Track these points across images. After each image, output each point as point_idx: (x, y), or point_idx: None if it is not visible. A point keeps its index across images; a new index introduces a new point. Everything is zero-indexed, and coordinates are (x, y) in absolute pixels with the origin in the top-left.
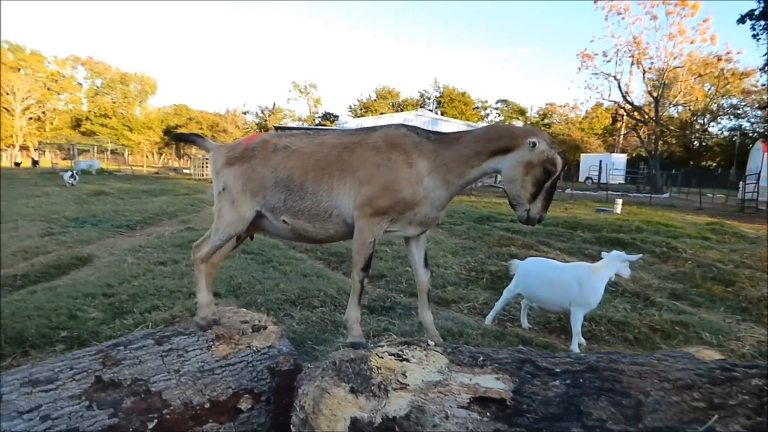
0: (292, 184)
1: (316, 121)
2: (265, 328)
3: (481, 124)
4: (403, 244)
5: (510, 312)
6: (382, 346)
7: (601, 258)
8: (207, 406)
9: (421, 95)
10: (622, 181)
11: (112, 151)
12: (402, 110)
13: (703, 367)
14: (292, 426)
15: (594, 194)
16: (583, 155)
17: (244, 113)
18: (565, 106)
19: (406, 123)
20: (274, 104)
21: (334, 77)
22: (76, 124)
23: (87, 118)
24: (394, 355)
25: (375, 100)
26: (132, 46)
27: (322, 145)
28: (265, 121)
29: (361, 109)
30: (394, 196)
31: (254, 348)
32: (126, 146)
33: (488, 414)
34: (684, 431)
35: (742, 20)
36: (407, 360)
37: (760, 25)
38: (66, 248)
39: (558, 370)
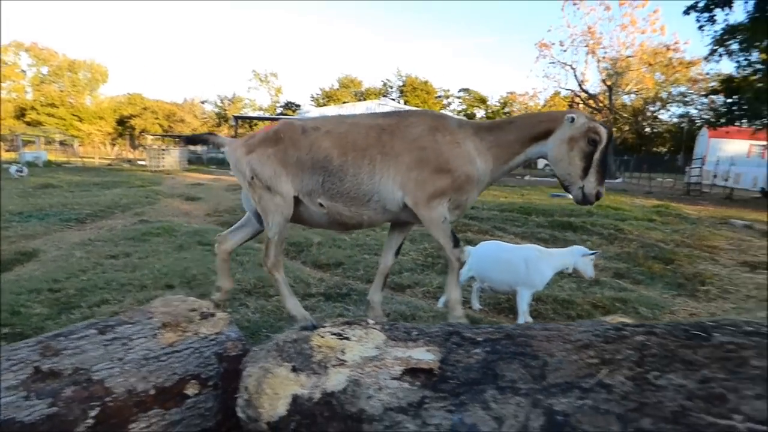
0: (331, 165)
1: (278, 111)
2: (213, 315)
3: (444, 113)
4: (369, 230)
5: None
6: (325, 327)
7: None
8: (152, 392)
9: (384, 84)
10: None
11: (61, 143)
12: (365, 99)
13: (601, 328)
14: (236, 407)
15: (551, 180)
16: None
17: (203, 102)
18: (524, 95)
19: (369, 112)
20: (234, 93)
21: (295, 66)
22: (21, 113)
23: (32, 108)
24: (335, 334)
25: (337, 89)
26: (80, 32)
27: (356, 125)
28: (225, 110)
29: (323, 98)
30: (450, 175)
31: (202, 335)
32: (75, 137)
33: (417, 383)
34: (579, 385)
35: (687, 12)
36: (347, 338)
37: (704, 17)
38: (9, 243)
39: (480, 339)
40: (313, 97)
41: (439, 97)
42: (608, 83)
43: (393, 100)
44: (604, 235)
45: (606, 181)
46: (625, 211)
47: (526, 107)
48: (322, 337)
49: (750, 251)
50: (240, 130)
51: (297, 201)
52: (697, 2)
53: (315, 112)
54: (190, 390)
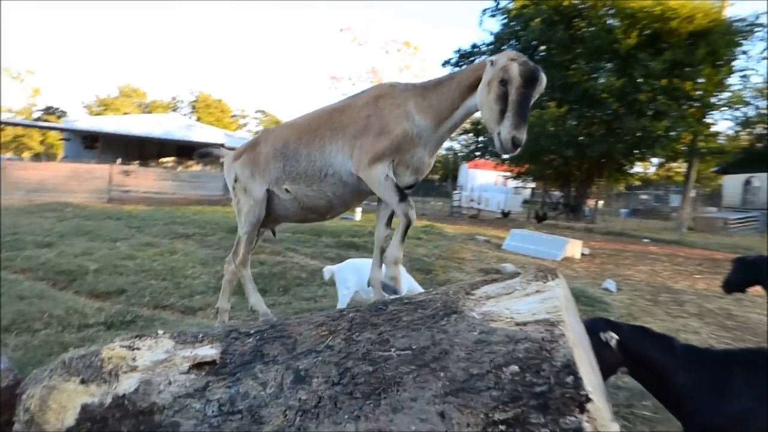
0: (288, 150)
1: (35, 115)
2: None
3: (240, 133)
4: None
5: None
6: (114, 342)
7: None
8: None
9: (173, 98)
10: None
11: None
12: (150, 112)
13: (331, 312)
14: None
15: None
16: None
17: None
18: None
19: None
20: None
21: (60, 67)
22: None
23: None
24: (125, 346)
25: (117, 97)
26: None
27: (317, 111)
28: None
29: (99, 107)
30: (387, 137)
31: None
32: None
33: (203, 373)
34: (315, 349)
35: (444, 64)
36: (138, 348)
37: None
38: None
39: (252, 331)
40: (85, 104)
41: (235, 116)
42: None
43: (184, 115)
44: None
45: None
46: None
47: None
48: (112, 349)
49: (486, 260)
50: None
51: (272, 196)
52: (450, 59)
53: (87, 121)
54: None
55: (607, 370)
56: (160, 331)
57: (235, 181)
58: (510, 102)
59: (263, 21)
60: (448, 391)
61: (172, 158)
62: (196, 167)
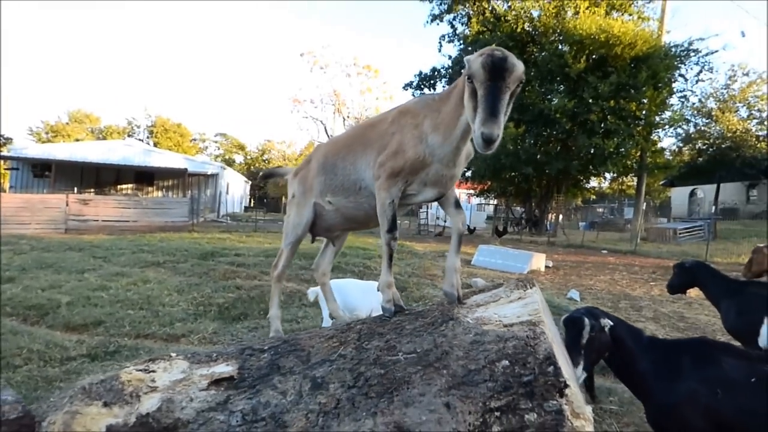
0: (327, 164)
1: None
2: None
3: (201, 157)
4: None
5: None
6: (128, 367)
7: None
8: None
9: (129, 123)
10: None
11: None
12: (105, 138)
13: (339, 326)
14: None
15: None
16: None
17: None
18: (282, 143)
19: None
20: None
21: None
22: None
23: None
24: (141, 370)
25: (67, 123)
26: None
27: (354, 127)
28: None
29: (47, 133)
30: (402, 157)
31: None
32: None
33: (222, 388)
34: (329, 359)
35: (405, 88)
36: (154, 371)
37: (419, 94)
38: None
39: (266, 347)
40: (32, 130)
41: (195, 140)
42: None
43: (140, 140)
44: (355, 272)
45: None
46: (372, 250)
47: (283, 155)
48: (130, 373)
49: None
50: None
51: (319, 208)
52: (411, 82)
53: (36, 149)
54: None
55: (600, 351)
56: (173, 354)
57: (293, 197)
58: (479, 97)
59: (223, 42)
60: (451, 385)
61: (130, 185)
62: (157, 193)
